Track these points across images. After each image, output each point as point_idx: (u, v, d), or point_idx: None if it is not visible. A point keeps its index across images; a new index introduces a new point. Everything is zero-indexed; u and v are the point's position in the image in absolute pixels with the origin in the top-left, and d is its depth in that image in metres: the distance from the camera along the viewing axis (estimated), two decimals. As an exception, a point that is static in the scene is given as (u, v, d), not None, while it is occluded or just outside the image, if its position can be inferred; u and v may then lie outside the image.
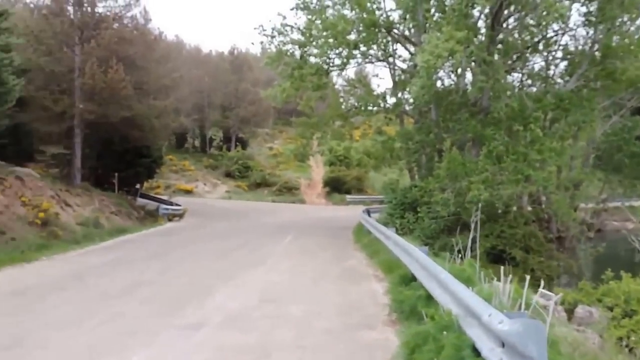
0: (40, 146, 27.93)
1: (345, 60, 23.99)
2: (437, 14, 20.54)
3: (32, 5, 27.34)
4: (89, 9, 26.15)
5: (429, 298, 7.91)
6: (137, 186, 31.27)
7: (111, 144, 27.41)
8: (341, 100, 28.11)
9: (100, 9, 26.65)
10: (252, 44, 46.72)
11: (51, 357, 6.46)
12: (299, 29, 23.48)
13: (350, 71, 65.27)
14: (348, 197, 46.05)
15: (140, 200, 29.99)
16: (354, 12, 22.68)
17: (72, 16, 25.61)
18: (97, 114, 24.20)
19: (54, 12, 25.17)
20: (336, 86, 29.20)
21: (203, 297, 9.83)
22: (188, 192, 44.48)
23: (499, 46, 21.24)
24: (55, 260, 14.43)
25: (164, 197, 34.34)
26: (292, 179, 50.97)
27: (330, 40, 22.31)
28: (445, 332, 6.08)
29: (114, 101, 24.27)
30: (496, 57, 20.46)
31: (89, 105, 24.14)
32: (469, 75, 22.37)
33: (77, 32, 25.10)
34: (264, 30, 23.47)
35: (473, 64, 20.46)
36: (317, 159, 48.10)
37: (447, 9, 19.37)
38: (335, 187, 48.25)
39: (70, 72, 24.47)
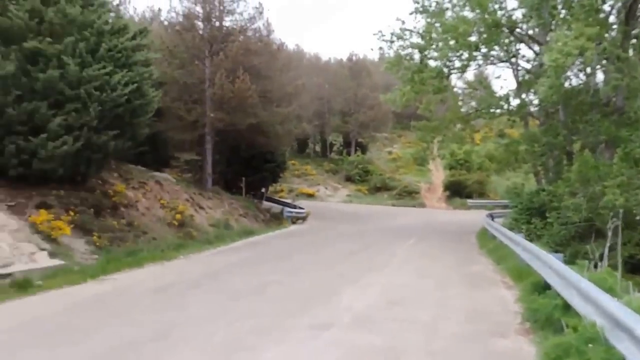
0: (175, 153, 29.85)
1: (466, 62, 23.58)
2: (563, 11, 19.66)
3: (166, 23, 29.42)
4: (217, 23, 27.68)
5: (567, 307, 7.59)
6: (263, 190, 32.50)
7: (239, 150, 28.73)
8: (460, 103, 27.61)
9: (227, 23, 28.14)
10: (371, 49, 47.47)
11: (193, 351, 6.85)
12: (418, 32, 23.40)
13: (469, 74, 63.79)
14: (469, 201, 44.99)
15: (266, 204, 31.13)
16: (474, 13, 22.24)
17: (201, 31, 27.27)
18: (225, 122, 25.52)
19: (186, 28, 26.92)
20: (455, 89, 28.74)
21: (330, 297, 10.07)
22: (310, 196, 45.52)
23: (634, 41, 19.94)
24: (191, 259, 15.34)
25: (288, 201, 35.38)
26: (412, 182, 50.63)
27: (451, 42, 22.02)
28: (590, 345, 5.75)
29: (241, 109, 25.43)
30: (631, 52, 19.23)
31: (218, 113, 25.50)
32: (599, 74, 21.22)
33: (207, 45, 26.64)
34: (383, 35, 23.63)
35: (605, 61, 19.38)
36: (437, 162, 47.48)
37: (575, 4, 18.49)
38: (456, 191, 47.32)
39: (201, 83, 26.00)
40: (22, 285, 10.46)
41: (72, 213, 14.40)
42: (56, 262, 12.45)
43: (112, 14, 17.20)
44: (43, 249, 12.73)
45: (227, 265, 14.48)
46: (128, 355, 6.64)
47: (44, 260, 12.35)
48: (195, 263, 14.78)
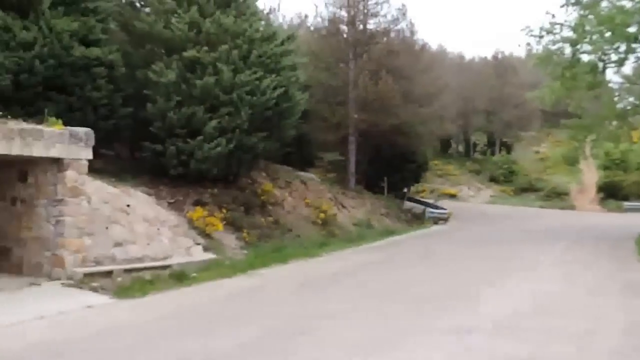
0: (319, 153, 30.73)
1: (623, 55, 21.80)
2: None
3: (312, 28, 30.47)
4: (361, 26, 28.13)
5: None
6: (404, 190, 32.43)
7: (380, 150, 28.90)
8: (616, 99, 25.55)
9: (371, 25, 28.52)
10: (518, 46, 44.76)
11: (332, 347, 6.95)
12: (569, 26, 22.04)
13: (627, 67, 58.87)
14: (626, 204, 41.49)
15: (407, 204, 30.99)
16: (633, 2, 20.46)
17: (346, 35, 27.88)
18: (368, 123, 25.88)
19: (331, 32, 27.75)
20: (610, 84, 26.65)
21: (471, 301, 9.78)
22: (452, 196, 44.62)
23: None
24: (333, 257, 15.66)
25: (430, 201, 34.95)
26: (561, 183, 47.74)
27: (607, 34, 20.48)
28: None
29: (383, 110, 25.67)
30: None
31: (361, 114, 25.92)
32: None
33: (351, 48, 27.17)
34: (531, 30, 22.52)
35: None
36: (588, 162, 44.31)
37: None
38: (611, 193, 43.79)
39: (345, 85, 26.58)
40: (179, 276, 11.34)
41: (224, 210, 15.39)
42: (209, 256, 13.39)
43: (262, 22, 18.06)
44: (198, 244, 13.75)
45: (368, 263, 14.63)
46: (273, 346, 6.96)
47: (198, 254, 13.34)
48: (338, 261, 15.07)
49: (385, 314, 8.76)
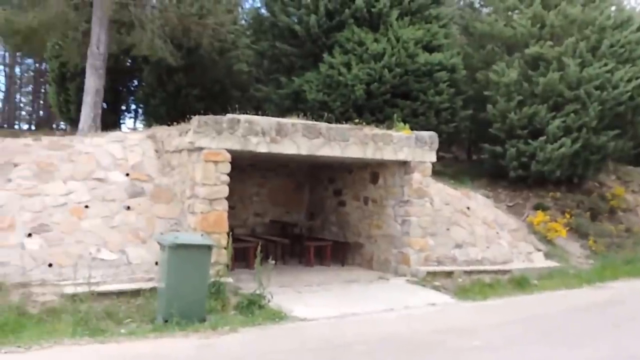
0: None
1: None
2: None
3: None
4: None
5: None
6: None
7: None
8: None
9: None
10: None
11: None
12: None
13: None
14: None
15: None
16: None
17: None
18: None
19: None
20: None
21: None
22: None
23: None
24: None
25: None
26: None
27: None
28: None
29: None
30: None
31: None
32: None
33: None
34: None
35: None
36: None
37: None
38: None
39: None
40: (520, 282, 11.05)
41: (567, 215, 14.46)
42: (551, 263, 12.71)
43: (613, 8, 16.39)
44: (539, 250, 13.16)
45: None
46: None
47: (539, 261, 12.76)
48: None
49: None
